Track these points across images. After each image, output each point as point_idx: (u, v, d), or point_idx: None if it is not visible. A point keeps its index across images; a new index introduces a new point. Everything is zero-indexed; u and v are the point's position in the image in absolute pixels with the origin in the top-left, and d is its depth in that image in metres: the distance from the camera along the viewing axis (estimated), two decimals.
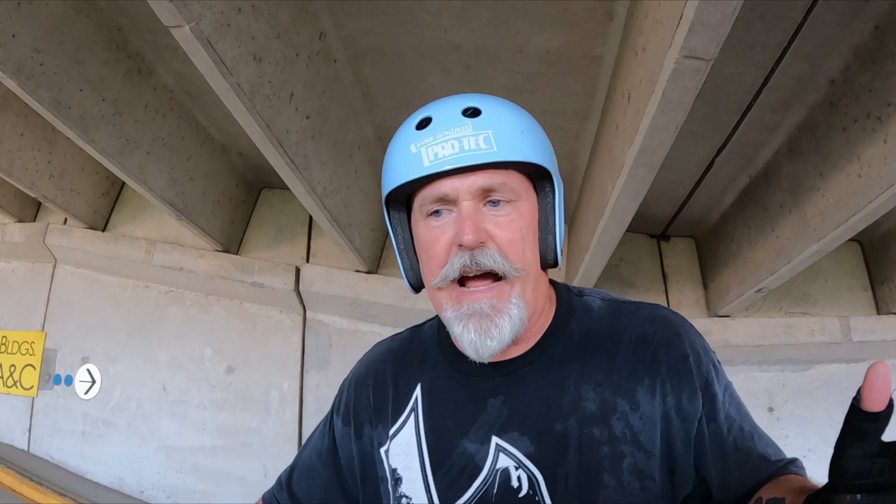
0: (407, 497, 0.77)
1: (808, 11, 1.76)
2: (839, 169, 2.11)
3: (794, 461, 0.73)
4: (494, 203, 0.70)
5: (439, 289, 0.73)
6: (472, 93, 0.75)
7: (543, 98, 2.36)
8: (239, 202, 3.64)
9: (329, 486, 0.88)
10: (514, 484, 0.71)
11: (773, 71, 2.02)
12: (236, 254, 3.66)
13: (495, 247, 0.69)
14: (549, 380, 0.74)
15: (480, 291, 0.70)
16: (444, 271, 0.70)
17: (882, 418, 0.51)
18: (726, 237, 3.17)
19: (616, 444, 0.69)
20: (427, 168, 0.68)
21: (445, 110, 0.70)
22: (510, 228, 0.70)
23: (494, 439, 0.73)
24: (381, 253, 3.46)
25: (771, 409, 3.28)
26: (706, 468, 0.71)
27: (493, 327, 0.69)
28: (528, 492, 0.70)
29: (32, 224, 3.93)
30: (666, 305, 3.40)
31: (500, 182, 0.69)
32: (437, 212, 0.71)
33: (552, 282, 0.84)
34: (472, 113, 0.69)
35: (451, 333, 0.75)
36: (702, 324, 3.26)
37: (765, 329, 3.21)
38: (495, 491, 0.71)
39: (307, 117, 2.16)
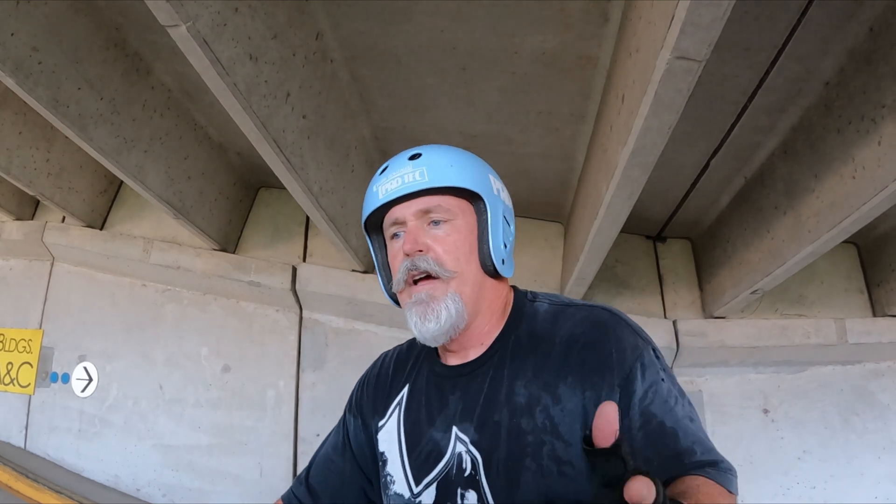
0: (390, 475, 0.94)
1: (803, 13, 1.77)
2: (833, 171, 2.12)
3: (716, 463, 0.76)
4: (436, 223, 0.90)
5: (401, 292, 0.92)
6: (431, 144, 0.96)
7: (539, 99, 2.37)
8: (236, 201, 3.65)
9: (344, 471, 1.03)
10: (464, 466, 0.85)
11: (767, 73, 2.03)
12: (233, 253, 3.66)
13: (433, 255, 0.88)
14: (493, 378, 0.88)
15: (421, 284, 0.89)
16: (397, 277, 0.91)
17: (607, 454, 0.55)
18: (722, 239, 3.17)
19: (538, 433, 0.80)
20: (380, 200, 0.91)
21: (398, 158, 0.93)
22: (446, 242, 0.89)
23: (454, 429, 0.88)
24: None
25: (766, 411, 3.29)
26: None
27: (431, 312, 0.87)
28: (471, 472, 0.84)
29: (30, 222, 3.94)
30: (661, 306, 3.43)
31: (435, 204, 0.89)
32: (396, 234, 0.92)
33: (516, 290, 0.98)
34: (415, 157, 0.90)
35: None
36: (697, 325, 3.27)
37: (760, 330, 3.21)
38: (454, 471, 0.86)
39: (303, 117, 2.17)
